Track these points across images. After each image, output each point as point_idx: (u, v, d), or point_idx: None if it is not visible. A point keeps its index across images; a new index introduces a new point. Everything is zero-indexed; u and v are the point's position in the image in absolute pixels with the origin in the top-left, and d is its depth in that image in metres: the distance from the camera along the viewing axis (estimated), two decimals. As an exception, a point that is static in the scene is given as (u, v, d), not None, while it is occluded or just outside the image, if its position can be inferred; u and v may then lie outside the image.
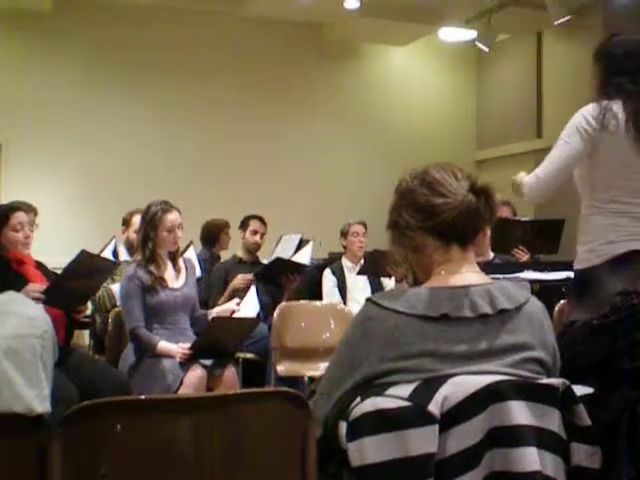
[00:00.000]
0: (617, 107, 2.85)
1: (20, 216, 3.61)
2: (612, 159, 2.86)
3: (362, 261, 5.68)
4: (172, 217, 3.94)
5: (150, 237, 3.93)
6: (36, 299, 3.28)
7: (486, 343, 1.62)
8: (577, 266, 2.94)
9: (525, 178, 3.01)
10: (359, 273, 5.55)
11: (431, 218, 1.69)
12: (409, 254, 1.77)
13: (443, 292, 1.65)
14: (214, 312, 4.17)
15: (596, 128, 2.85)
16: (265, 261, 5.52)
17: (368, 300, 1.69)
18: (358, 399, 1.61)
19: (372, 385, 1.62)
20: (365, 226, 5.83)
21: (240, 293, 4.79)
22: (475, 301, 1.64)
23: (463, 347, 1.61)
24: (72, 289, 3.52)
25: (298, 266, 5.21)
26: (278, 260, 5.19)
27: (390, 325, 1.62)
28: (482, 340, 1.62)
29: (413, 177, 1.74)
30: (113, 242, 5.39)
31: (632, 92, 2.85)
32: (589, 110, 2.89)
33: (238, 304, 4.26)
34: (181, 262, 4.11)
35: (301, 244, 5.62)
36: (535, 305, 1.72)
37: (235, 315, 4.19)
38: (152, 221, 3.92)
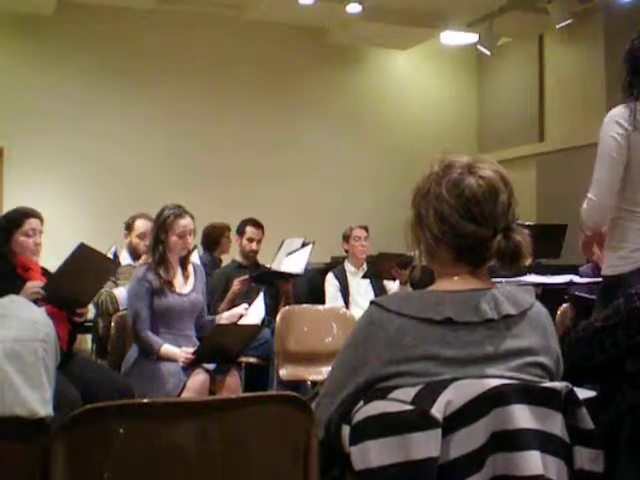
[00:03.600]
0: None
1: (33, 222, 3.60)
2: None
3: (365, 265, 5.68)
4: (184, 222, 3.91)
5: (161, 240, 3.91)
6: (35, 293, 3.28)
7: (490, 348, 1.61)
8: (606, 272, 2.86)
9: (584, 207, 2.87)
10: (364, 277, 5.54)
11: (455, 236, 1.65)
12: (423, 253, 1.73)
13: (448, 296, 1.64)
14: (223, 317, 4.16)
15: (628, 129, 2.78)
16: (267, 265, 5.53)
17: (372, 303, 1.68)
18: (361, 403, 1.61)
19: (375, 388, 1.61)
20: (367, 230, 5.83)
21: (243, 298, 4.77)
22: (480, 306, 1.63)
23: (466, 351, 1.60)
24: (71, 285, 3.49)
25: (289, 275, 5.21)
26: (268, 272, 5.25)
27: (393, 328, 1.61)
28: (486, 345, 1.61)
29: (449, 184, 1.65)
30: (114, 247, 5.39)
31: None
32: (619, 113, 2.82)
33: (246, 309, 4.26)
34: (191, 268, 4.09)
35: (303, 248, 5.62)
36: (539, 310, 1.72)
37: (243, 320, 4.18)
38: (164, 225, 3.90)
